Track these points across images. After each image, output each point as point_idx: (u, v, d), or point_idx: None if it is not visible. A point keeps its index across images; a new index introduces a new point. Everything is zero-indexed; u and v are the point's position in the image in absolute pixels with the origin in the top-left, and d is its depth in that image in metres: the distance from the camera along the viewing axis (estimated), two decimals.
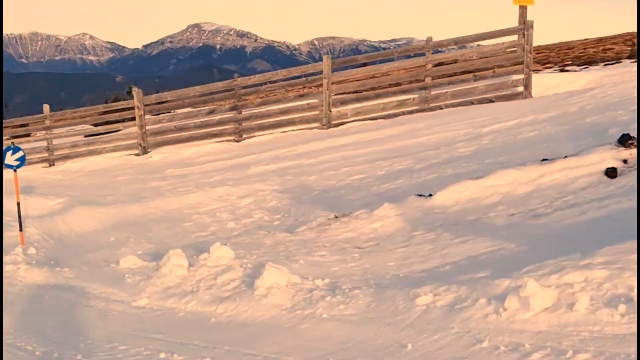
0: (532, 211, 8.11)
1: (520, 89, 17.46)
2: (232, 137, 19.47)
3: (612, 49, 30.00)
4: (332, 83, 18.64)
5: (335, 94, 18.79)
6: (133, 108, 19.85)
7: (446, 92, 18.12)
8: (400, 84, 18.71)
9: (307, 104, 18.98)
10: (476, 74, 17.95)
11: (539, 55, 28.56)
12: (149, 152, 19.69)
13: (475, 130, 14.30)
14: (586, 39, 35.55)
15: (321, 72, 18.62)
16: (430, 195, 9.10)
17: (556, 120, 13.18)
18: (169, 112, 21.06)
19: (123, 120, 20.65)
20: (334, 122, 18.67)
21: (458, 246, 7.43)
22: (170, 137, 19.90)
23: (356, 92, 19.05)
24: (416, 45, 18.10)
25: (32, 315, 7.08)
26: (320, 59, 18.61)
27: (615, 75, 17.06)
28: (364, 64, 19.54)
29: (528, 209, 8.21)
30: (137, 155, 19.76)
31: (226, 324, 6.33)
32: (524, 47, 17.28)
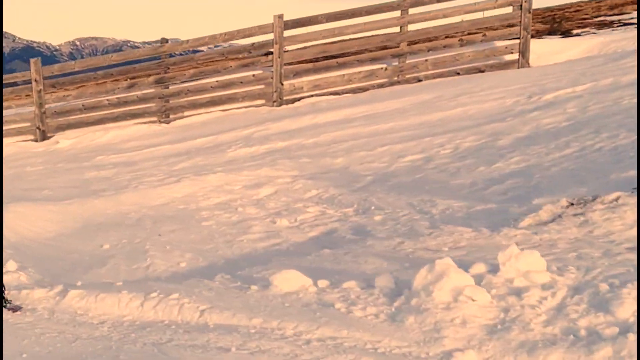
0: None
1: (514, 56, 14.85)
2: (154, 118, 15.44)
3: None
4: (285, 50, 15.16)
5: (287, 63, 15.31)
6: (29, 82, 15.14)
7: (426, 61, 15.15)
8: (368, 51, 15.52)
9: (254, 75, 15.36)
10: (462, 38, 15.16)
11: None
12: (50, 137, 15.12)
13: (530, 100, 11.55)
14: None
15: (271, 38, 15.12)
16: None
17: None
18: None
19: None
20: (285, 98, 15.20)
21: None
22: (77, 118, 15.44)
23: (311, 60, 15.70)
24: (391, 3, 14.95)
25: None
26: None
27: (622, 41, 14.91)
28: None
29: None
30: (35, 141, 15.13)
31: None
32: (521, 5, 14.68)
